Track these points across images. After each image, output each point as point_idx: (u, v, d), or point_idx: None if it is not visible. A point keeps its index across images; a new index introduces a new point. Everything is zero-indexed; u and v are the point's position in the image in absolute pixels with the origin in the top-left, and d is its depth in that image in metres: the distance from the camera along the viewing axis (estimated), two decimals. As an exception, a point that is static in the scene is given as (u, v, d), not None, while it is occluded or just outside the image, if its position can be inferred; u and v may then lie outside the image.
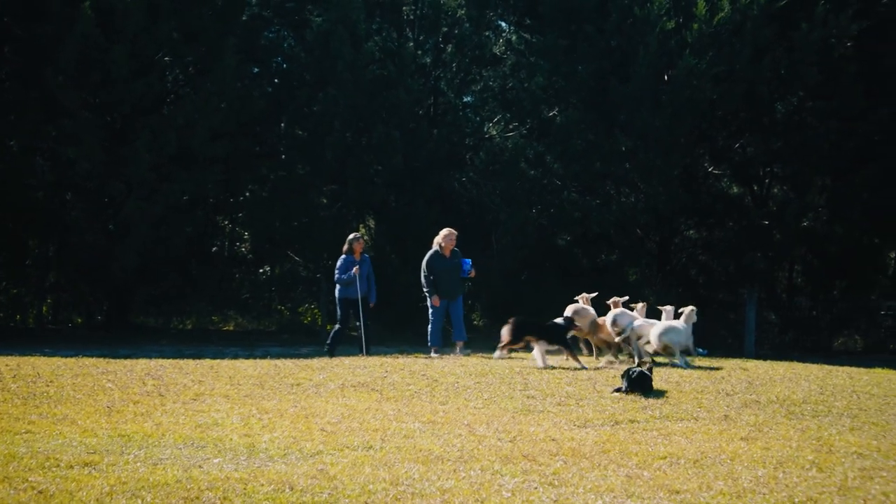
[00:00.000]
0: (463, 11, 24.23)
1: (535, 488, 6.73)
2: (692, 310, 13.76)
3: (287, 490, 6.51)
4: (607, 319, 14.05)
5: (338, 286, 15.62)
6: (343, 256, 15.60)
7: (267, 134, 25.16)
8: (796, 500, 6.62)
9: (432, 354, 15.08)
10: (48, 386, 10.81)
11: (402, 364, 13.24)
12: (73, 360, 13.55)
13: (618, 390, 10.89)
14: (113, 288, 22.82)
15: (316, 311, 25.01)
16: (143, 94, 20.96)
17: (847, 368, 14.18)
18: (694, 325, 13.76)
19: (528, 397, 10.66)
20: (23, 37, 21.42)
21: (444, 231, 15.54)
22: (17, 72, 21.92)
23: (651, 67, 20.82)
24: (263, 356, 15.40)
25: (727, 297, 23.66)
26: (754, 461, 7.72)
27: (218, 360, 14.02)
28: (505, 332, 13.73)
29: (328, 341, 15.77)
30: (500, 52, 25.24)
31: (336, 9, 22.17)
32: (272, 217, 23.41)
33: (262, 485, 6.62)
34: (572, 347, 13.77)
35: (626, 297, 14.71)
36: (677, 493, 6.71)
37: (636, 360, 13.24)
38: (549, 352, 13.50)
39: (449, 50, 24.57)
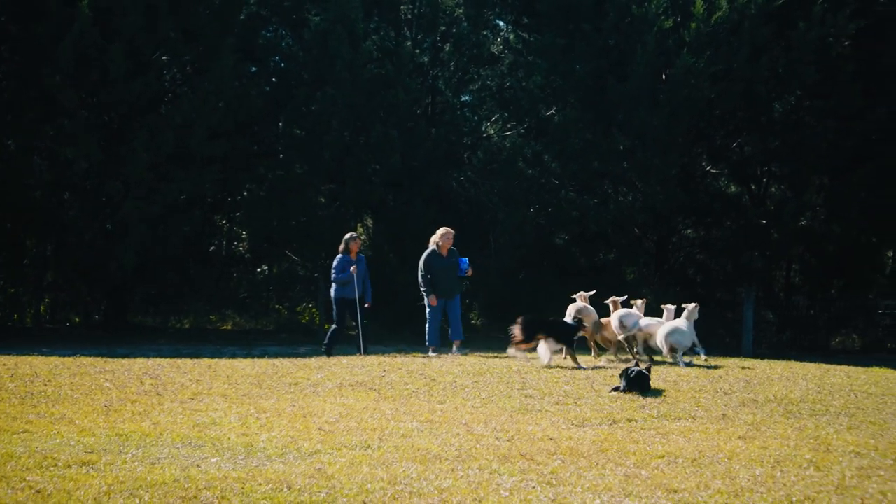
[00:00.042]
0: (461, 10, 24.25)
1: (533, 487, 6.73)
2: (695, 306, 13.79)
3: (285, 489, 6.51)
4: (613, 319, 14.05)
5: (334, 286, 15.60)
6: (339, 256, 15.58)
7: (265, 133, 25.14)
8: (794, 498, 6.62)
9: (430, 354, 15.08)
10: (46, 385, 10.81)
11: (399, 363, 13.24)
12: (70, 359, 13.55)
13: (616, 389, 10.90)
14: (111, 287, 22.81)
15: (314, 310, 25.01)
16: (141, 93, 20.95)
17: (845, 367, 14.19)
18: (695, 322, 13.79)
19: (525, 396, 10.67)
20: (20, 36, 21.39)
21: (441, 230, 15.54)
22: (14, 71, 21.90)
23: (649, 66, 20.83)
24: (261, 355, 15.41)
25: (725, 296, 23.68)
26: (752, 460, 7.72)
27: (216, 360, 14.02)
28: (516, 330, 13.53)
29: (326, 341, 15.76)
30: (497, 51, 25.24)
31: (334, 8, 22.16)
32: (270, 216, 23.39)
33: (260, 484, 6.62)
34: (573, 347, 13.73)
35: (625, 297, 14.74)
36: (675, 491, 6.71)
37: (635, 360, 13.24)
38: (552, 351, 13.44)
39: (447, 49, 24.57)
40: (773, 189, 24.55)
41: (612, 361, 13.94)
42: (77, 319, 24.78)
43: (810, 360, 15.52)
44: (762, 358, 16.01)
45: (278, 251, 25.57)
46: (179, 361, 13.60)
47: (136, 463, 7.23)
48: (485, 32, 24.69)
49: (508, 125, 24.20)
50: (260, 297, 27.27)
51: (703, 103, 21.03)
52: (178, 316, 26.16)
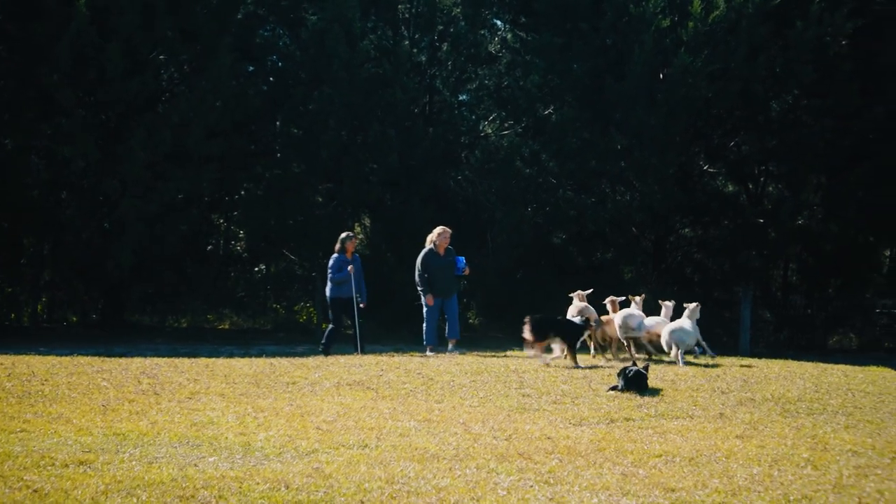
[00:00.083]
0: (458, 10, 24.25)
1: (531, 486, 6.73)
2: (696, 306, 13.80)
3: (283, 489, 6.50)
4: (616, 319, 14.05)
5: (329, 286, 15.57)
6: (335, 255, 15.55)
7: (262, 132, 25.14)
8: (791, 497, 6.63)
9: (428, 353, 15.07)
10: (43, 384, 10.80)
11: (397, 362, 13.23)
12: (68, 358, 13.53)
13: (613, 388, 10.90)
14: (108, 286, 22.80)
15: (311, 309, 25.01)
16: (138, 92, 20.94)
17: (842, 366, 14.19)
18: (697, 322, 13.81)
19: (523, 396, 10.66)
20: (18, 35, 21.37)
21: (438, 229, 15.53)
22: (12, 70, 21.87)
23: (646, 66, 20.84)
24: (259, 355, 15.41)
25: (722, 296, 23.72)
26: (749, 459, 7.72)
27: (213, 359, 14.01)
28: (527, 332, 13.29)
29: (323, 340, 15.73)
30: (495, 50, 25.27)
31: (331, 7, 22.15)
32: (267, 215, 23.39)
33: (258, 483, 6.62)
34: (576, 347, 13.68)
35: (623, 298, 14.75)
36: (672, 490, 6.71)
37: (633, 360, 13.24)
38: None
39: (444, 48, 24.57)
40: (770, 188, 24.57)
41: (610, 360, 13.93)
42: (74, 318, 24.77)
43: (808, 359, 15.52)
44: (760, 357, 16.02)
45: (276, 250, 25.56)
46: (177, 361, 13.58)
47: (134, 462, 7.22)
48: (482, 32, 24.70)
49: (506, 124, 24.22)
50: (257, 297, 27.27)
51: (700, 102, 21.05)
52: (176, 315, 26.16)
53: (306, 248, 23.90)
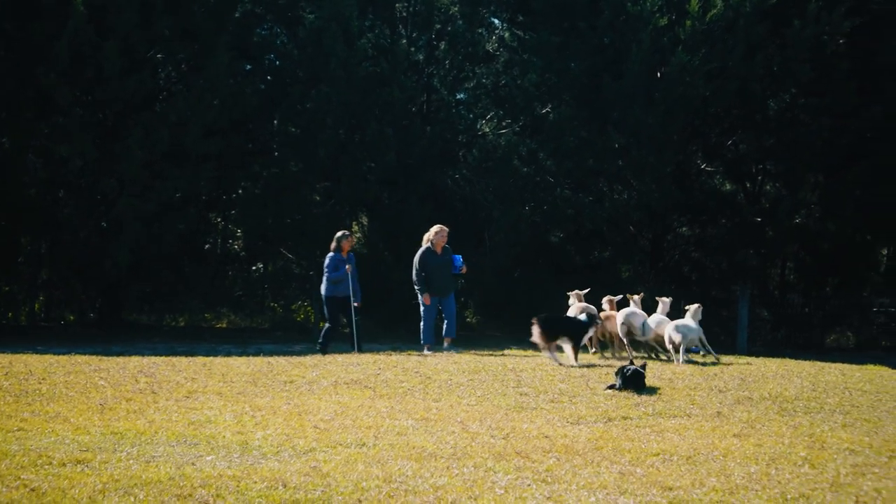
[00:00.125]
0: (456, 8, 24.25)
1: (529, 485, 6.73)
2: (698, 307, 13.82)
3: (280, 487, 6.50)
4: (618, 318, 14.04)
5: (324, 284, 15.54)
6: (331, 254, 15.53)
7: (260, 131, 25.13)
8: (789, 496, 6.63)
9: (425, 351, 15.08)
10: (40, 383, 10.79)
11: (394, 361, 13.22)
12: (65, 357, 13.52)
13: (611, 387, 10.90)
14: (105, 285, 22.77)
15: (309, 308, 24.99)
16: (136, 91, 20.92)
17: (839, 365, 14.20)
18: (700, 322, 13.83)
19: (521, 394, 10.66)
20: (15, 34, 21.35)
21: (435, 227, 15.52)
22: (9, 69, 21.83)
23: (644, 64, 20.85)
24: (256, 353, 15.38)
25: (720, 294, 23.71)
26: (747, 458, 7.73)
27: (211, 358, 14.00)
28: (536, 334, 13.21)
29: (320, 339, 15.72)
30: (492, 49, 25.26)
31: (329, 6, 22.15)
32: (265, 214, 23.37)
33: (255, 482, 6.62)
34: (580, 345, 13.64)
35: (620, 297, 14.76)
36: (670, 489, 6.71)
37: (630, 359, 13.24)
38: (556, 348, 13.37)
39: (442, 47, 24.56)
40: (767, 187, 24.59)
41: (609, 359, 13.93)
42: (72, 317, 24.73)
43: (805, 358, 15.55)
44: (757, 355, 16.04)
45: (273, 249, 25.55)
46: (174, 359, 13.57)
47: (131, 461, 7.21)
48: (480, 30, 24.70)
49: (503, 123, 24.22)
50: (255, 295, 27.26)
51: (697, 101, 21.06)
52: (173, 314, 26.13)
53: (304, 246, 23.88)
